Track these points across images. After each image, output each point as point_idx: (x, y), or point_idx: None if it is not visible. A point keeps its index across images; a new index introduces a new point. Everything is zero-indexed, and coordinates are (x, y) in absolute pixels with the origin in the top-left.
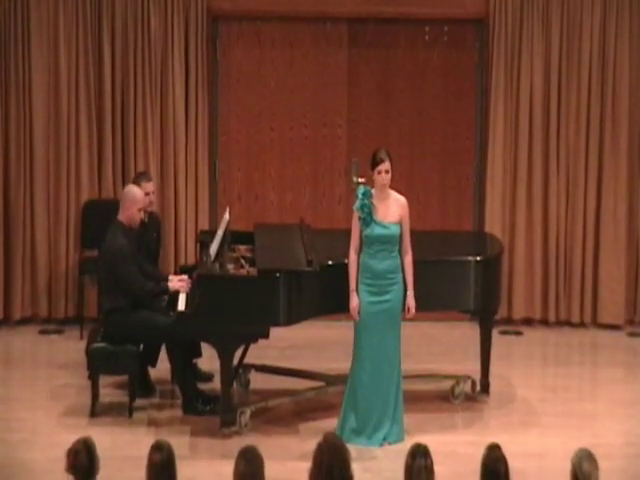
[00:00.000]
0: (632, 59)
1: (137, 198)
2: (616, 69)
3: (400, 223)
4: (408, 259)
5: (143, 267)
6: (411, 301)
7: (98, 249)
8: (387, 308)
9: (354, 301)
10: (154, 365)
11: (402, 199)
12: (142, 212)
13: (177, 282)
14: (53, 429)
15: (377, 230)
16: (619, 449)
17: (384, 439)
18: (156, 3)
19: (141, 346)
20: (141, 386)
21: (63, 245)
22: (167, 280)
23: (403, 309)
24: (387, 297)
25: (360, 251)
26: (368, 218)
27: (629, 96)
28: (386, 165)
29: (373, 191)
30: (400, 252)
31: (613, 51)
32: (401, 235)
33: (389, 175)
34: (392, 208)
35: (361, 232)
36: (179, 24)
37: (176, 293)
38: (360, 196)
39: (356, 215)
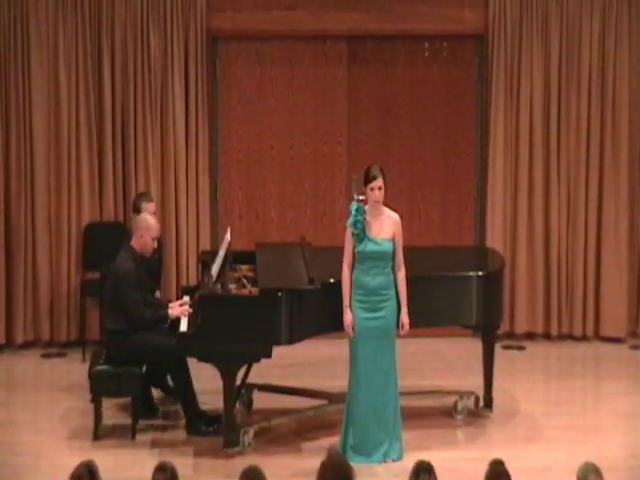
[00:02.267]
0: (631, 72)
1: (151, 226)
2: (615, 82)
3: (393, 240)
4: (401, 275)
5: (145, 296)
6: (405, 318)
7: (100, 271)
8: (381, 325)
9: (348, 317)
10: (164, 387)
11: (395, 216)
12: (155, 240)
13: (177, 308)
14: (57, 452)
15: (370, 246)
16: (623, 462)
17: (385, 456)
18: (155, 22)
19: (144, 367)
20: (144, 407)
21: (65, 267)
22: (167, 307)
23: (397, 325)
24: (380, 314)
25: (353, 267)
26: (361, 234)
27: (629, 109)
28: (379, 182)
29: (366, 207)
30: (393, 269)
31: (612, 64)
32: (394, 252)
33: (382, 192)
34: (385, 224)
35: (354, 248)
36: (179, 43)
37: (177, 319)
38: (353, 212)
39: (349, 231)
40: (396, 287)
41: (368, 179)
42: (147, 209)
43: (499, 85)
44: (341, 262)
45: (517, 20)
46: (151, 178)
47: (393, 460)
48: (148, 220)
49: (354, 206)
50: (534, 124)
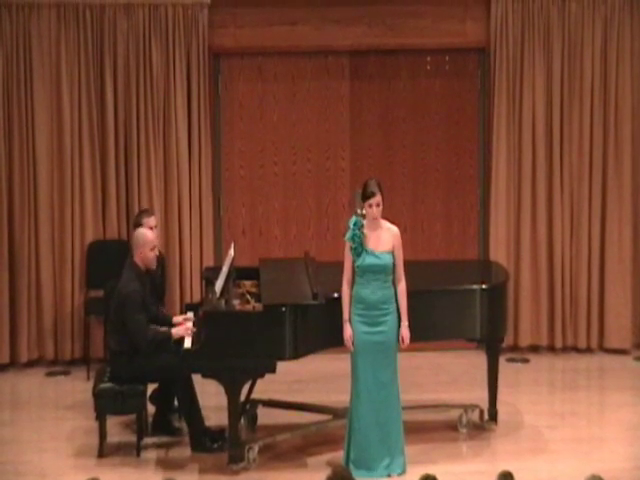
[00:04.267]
0: (634, 83)
1: (147, 239)
2: (618, 94)
3: (392, 252)
4: (401, 288)
5: (150, 309)
6: (405, 331)
7: (103, 289)
8: (381, 339)
9: (347, 331)
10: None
11: (394, 228)
12: (155, 250)
13: (181, 328)
14: (61, 470)
15: (368, 259)
16: (628, 473)
17: (388, 471)
18: (158, 40)
19: (147, 386)
20: (163, 427)
21: (68, 286)
22: (171, 322)
23: (398, 339)
24: (381, 328)
25: (353, 282)
26: (359, 248)
27: (632, 121)
28: (377, 199)
29: (364, 221)
30: (394, 282)
31: (614, 76)
32: (394, 264)
33: (380, 208)
34: (384, 237)
35: (353, 263)
36: (181, 60)
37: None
38: (351, 226)
39: (348, 245)
40: (397, 300)
41: (366, 196)
42: (148, 223)
43: (501, 98)
44: None
45: (519, 33)
46: (154, 195)
47: (398, 474)
48: (144, 234)
49: (352, 220)
50: (537, 136)
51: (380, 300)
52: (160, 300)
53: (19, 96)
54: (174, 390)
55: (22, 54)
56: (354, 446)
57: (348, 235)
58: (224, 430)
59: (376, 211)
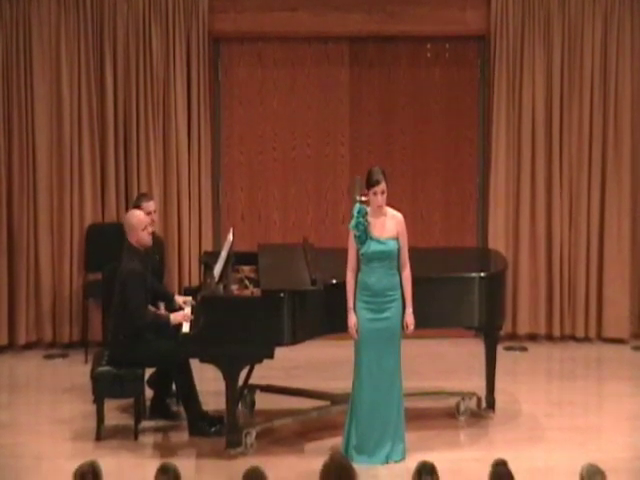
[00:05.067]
0: (634, 73)
1: (139, 220)
2: (618, 84)
3: (397, 238)
4: (406, 274)
5: (152, 286)
6: (410, 318)
7: (102, 272)
8: (386, 326)
9: (352, 319)
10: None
11: (398, 215)
12: (149, 229)
13: (179, 314)
14: (59, 453)
15: (373, 246)
16: (626, 463)
17: (388, 457)
18: (157, 25)
19: (145, 370)
20: (161, 412)
21: (67, 269)
22: (172, 299)
23: (402, 326)
24: (386, 314)
25: (358, 270)
26: (363, 236)
27: (631, 110)
28: (382, 186)
29: (368, 209)
30: (399, 269)
31: (614, 66)
32: (399, 251)
33: (384, 195)
34: (388, 224)
35: (358, 251)
36: (181, 46)
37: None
38: (355, 214)
39: (352, 234)
40: (401, 287)
41: (371, 183)
42: (147, 208)
43: (501, 86)
44: (343, 263)
45: (519, 22)
46: (153, 179)
47: (395, 461)
48: (132, 215)
49: (356, 208)
50: (536, 125)
51: (386, 287)
52: (159, 284)
53: (19, 82)
54: (172, 375)
55: (22, 39)
56: (356, 432)
57: (352, 223)
58: (222, 415)
59: (381, 199)
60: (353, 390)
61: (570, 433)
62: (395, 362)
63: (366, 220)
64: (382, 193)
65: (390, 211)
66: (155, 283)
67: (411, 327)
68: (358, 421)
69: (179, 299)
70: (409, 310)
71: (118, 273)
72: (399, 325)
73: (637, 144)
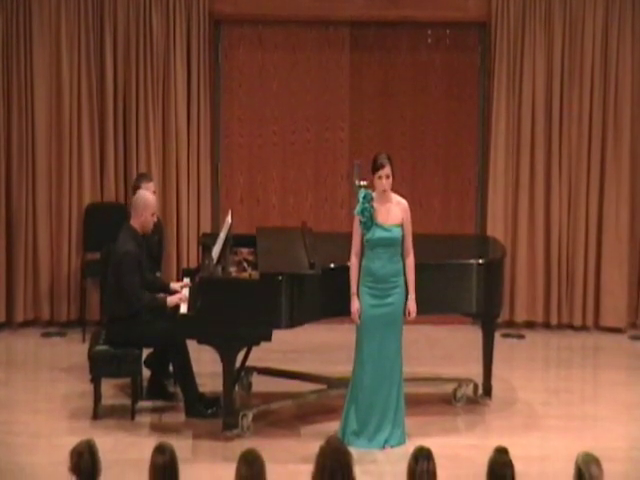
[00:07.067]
0: (634, 63)
1: (149, 203)
2: (618, 73)
3: (402, 225)
4: (410, 261)
5: (146, 275)
6: (412, 304)
7: (100, 252)
8: (389, 311)
9: (355, 305)
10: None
11: (403, 202)
12: (154, 216)
13: (175, 296)
14: (55, 432)
15: (378, 233)
16: (622, 452)
17: (385, 442)
18: (158, 7)
19: (143, 350)
20: (158, 392)
21: (65, 248)
22: (169, 289)
23: (404, 312)
24: (389, 300)
25: (362, 255)
26: (369, 222)
27: (631, 100)
28: (387, 170)
29: (374, 194)
30: (402, 255)
31: (615, 55)
32: (403, 237)
33: (390, 180)
34: (393, 211)
35: (363, 236)
36: (181, 28)
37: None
38: (361, 200)
39: (357, 220)
40: (404, 274)
41: (376, 167)
42: (147, 189)
43: (501, 73)
44: (341, 248)
45: (520, 8)
46: (152, 160)
47: (392, 446)
48: (146, 197)
49: (362, 193)
50: (536, 113)
51: (389, 273)
52: (157, 266)
53: (18, 60)
54: (169, 355)
55: (22, 18)
56: (356, 417)
57: (358, 209)
58: (218, 397)
59: (386, 183)
60: (353, 375)
61: (566, 421)
62: (397, 348)
63: (372, 206)
64: (387, 177)
65: (395, 197)
66: (150, 275)
67: (413, 314)
68: (358, 406)
69: (175, 285)
70: (411, 297)
71: (112, 253)
72: (401, 311)
73: (637, 132)
